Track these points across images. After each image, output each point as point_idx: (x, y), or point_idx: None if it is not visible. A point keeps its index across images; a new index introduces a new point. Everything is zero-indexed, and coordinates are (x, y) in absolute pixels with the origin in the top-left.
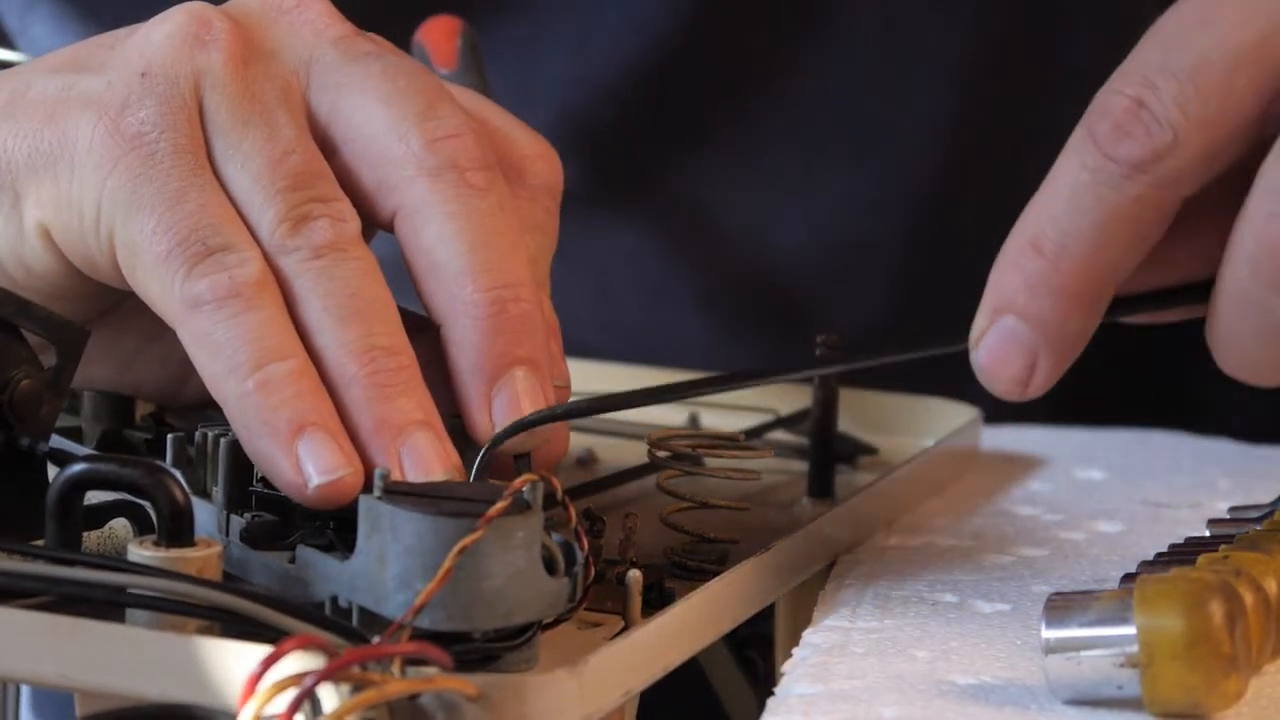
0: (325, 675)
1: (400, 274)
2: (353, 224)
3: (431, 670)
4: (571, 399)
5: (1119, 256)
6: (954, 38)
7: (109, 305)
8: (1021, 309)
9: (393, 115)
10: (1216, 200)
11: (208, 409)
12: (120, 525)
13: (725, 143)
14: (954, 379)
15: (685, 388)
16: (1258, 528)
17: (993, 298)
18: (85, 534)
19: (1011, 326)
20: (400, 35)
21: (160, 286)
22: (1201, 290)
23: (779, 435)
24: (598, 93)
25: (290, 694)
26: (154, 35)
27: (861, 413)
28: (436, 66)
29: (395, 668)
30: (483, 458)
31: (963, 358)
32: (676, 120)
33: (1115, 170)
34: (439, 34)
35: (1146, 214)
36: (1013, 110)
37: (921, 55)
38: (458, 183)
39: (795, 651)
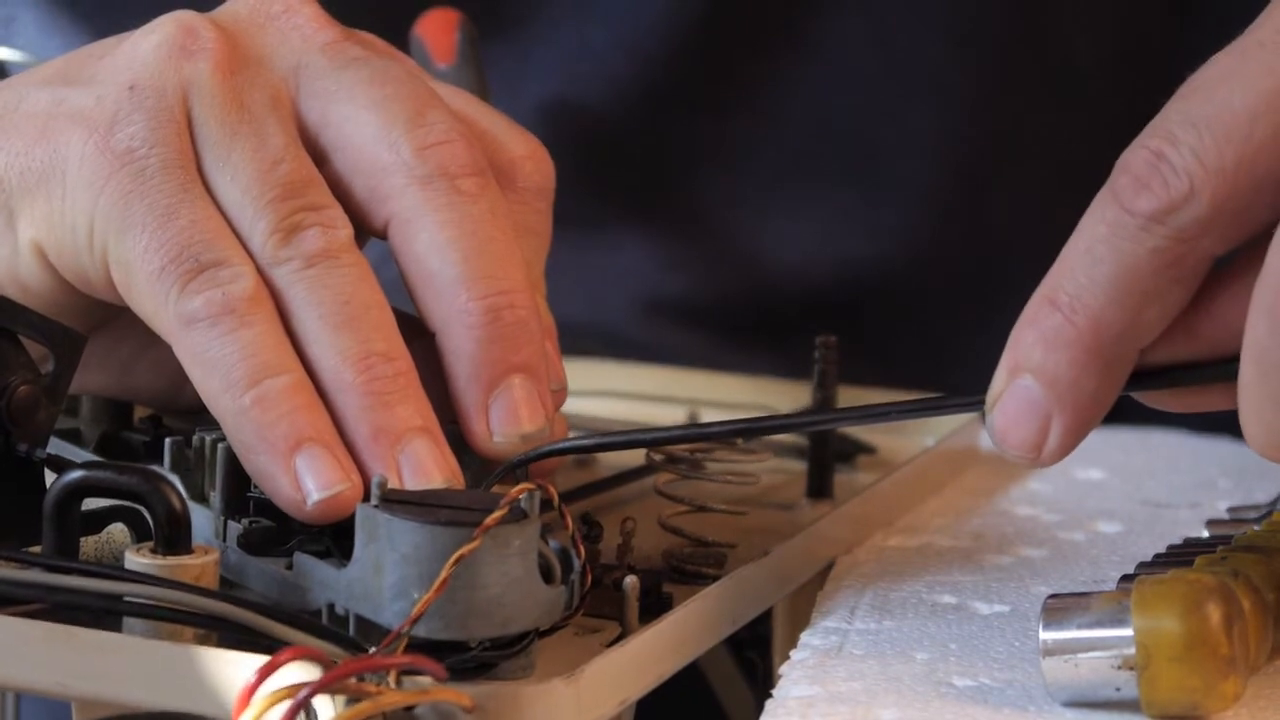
0: (321, 686)
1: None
2: (344, 231)
3: (427, 681)
4: (610, 431)
5: (1137, 313)
6: (946, 56)
7: (105, 318)
8: (1037, 366)
9: (382, 123)
10: (1248, 278)
11: (205, 413)
12: (118, 530)
13: (718, 161)
14: (953, 376)
15: (705, 432)
16: (1256, 528)
17: (1010, 357)
18: (83, 539)
19: (1027, 387)
20: (399, 29)
21: (155, 304)
22: (1232, 365)
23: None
24: (588, 114)
25: (286, 705)
26: (141, 46)
27: None
28: (435, 61)
29: (391, 679)
30: (493, 479)
31: (964, 355)
32: (667, 139)
33: (1132, 222)
34: (437, 28)
35: (1165, 269)
36: (1008, 128)
37: (913, 74)
38: (449, 190)
39: (793, 653)
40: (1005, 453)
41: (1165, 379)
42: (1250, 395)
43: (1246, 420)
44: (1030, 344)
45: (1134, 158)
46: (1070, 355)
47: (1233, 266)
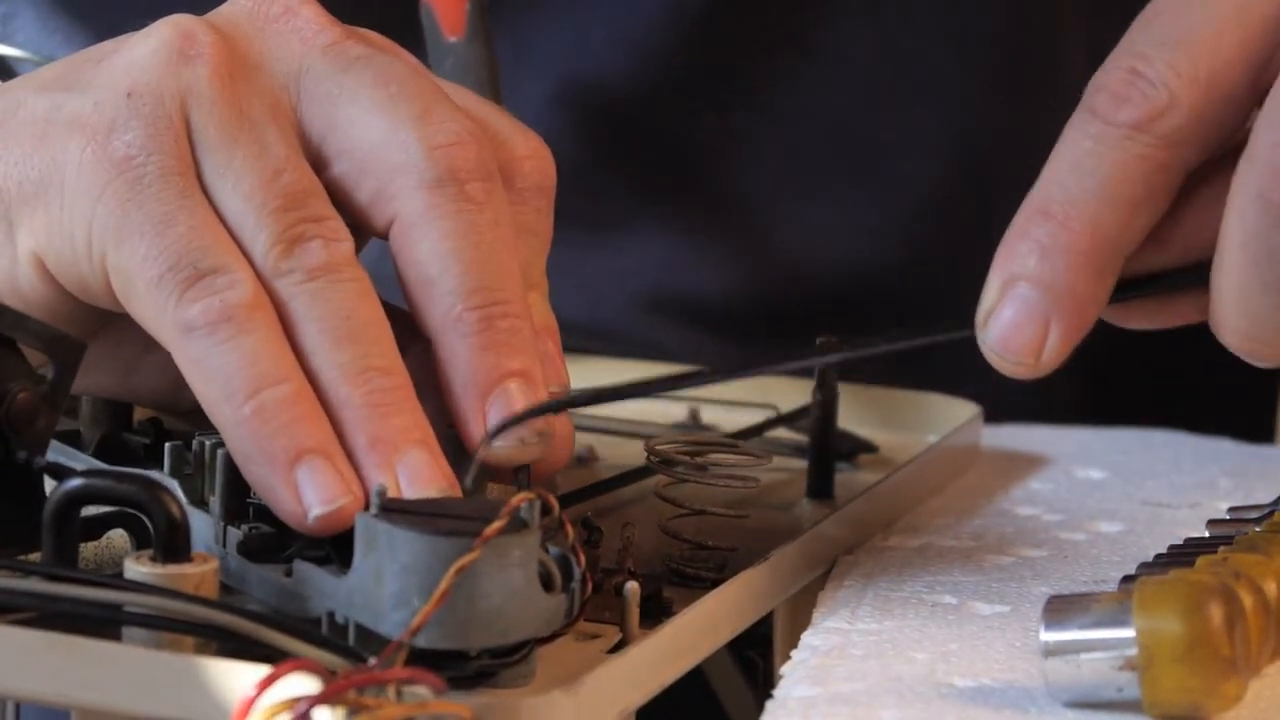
0: (320, 700)
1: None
2: (346, 244)
3: (427, 692)
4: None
5: (1126, 218)
6: (948, 55)
7: (105, 325)
8: (1033, 274)
9: (389, 123)
10: (1215, 185)
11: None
12: (118, 536)
13: (719, 159)
14: (955, 375)
15: (686, 379)
16: (1257, 529)
17: (1002, 270)
18: (83, 545)
19: (1023, 294)
20: (403, 10)
21: (154, 311)
22: (1205, 270)
23: (779, 432)
24: (588, 112)
25: (285, 717)
26: (139, 51)
27: (862, 409)
28: (445, 34)
29: (391, 691)
30: (477, 460)
31: (965, 355)
32: (668, 138)
33: (1117, 133)
34: None
35: (1151, 176)
36: (1010, 127)
37: (917, 77)
38: (457, 196)
39: (794, 653)
40: (1003, 363)
41: (1145, 287)
42: (1234, 285)
43: (1226, 314)
44: (1025, 253)
45: (1109, 78)
46: (1067, 260)
47: (1199, 176)
